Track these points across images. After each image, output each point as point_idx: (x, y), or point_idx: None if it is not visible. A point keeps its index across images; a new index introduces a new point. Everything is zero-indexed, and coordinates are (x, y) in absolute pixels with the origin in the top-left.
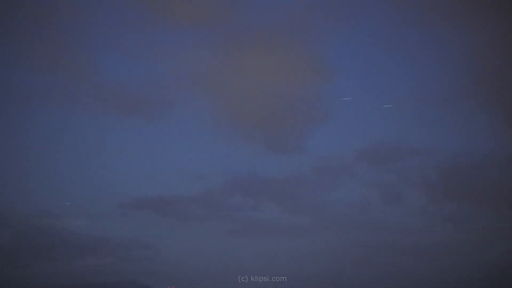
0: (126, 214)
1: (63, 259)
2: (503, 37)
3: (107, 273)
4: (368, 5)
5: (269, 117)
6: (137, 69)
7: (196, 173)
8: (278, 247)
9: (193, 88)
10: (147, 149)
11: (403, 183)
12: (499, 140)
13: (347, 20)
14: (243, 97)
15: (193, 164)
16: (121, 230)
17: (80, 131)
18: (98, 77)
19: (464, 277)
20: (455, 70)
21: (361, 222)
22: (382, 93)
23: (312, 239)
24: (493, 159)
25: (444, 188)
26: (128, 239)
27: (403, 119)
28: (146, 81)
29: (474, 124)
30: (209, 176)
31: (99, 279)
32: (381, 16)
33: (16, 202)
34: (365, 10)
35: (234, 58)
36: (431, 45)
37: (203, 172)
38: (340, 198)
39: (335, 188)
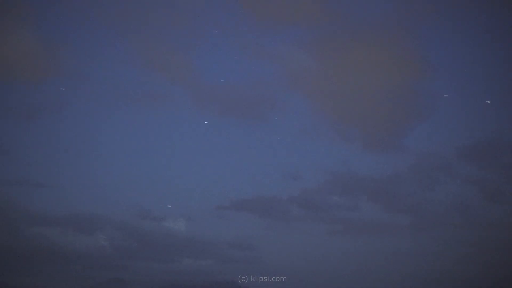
0: (224, 215)
1: (164, 260)
2: None
3: (207, 273)
4: (467, 1)
5: (368, 116)
6: (236, 71)
7: (294, 173)
8: (378, 246)
9: (291, 88)
10: (244, 150)
11: (505, 180)
12: None
13: (445, 16)
14: (341, 96)
15: (290, 165)
16: (220, 232)
17: (178, 134)
18: (198, 79)
19: None
20: None
21: (460, 219)
22: (482, 89)
23: (411, 238)
24: None
25: None
26: (227, 241)
27: (503, 115)
28: (244, 83)
29: None
30: (307, 176)
31: (199, 279)
32: (481, 13)
33: (121, 205)
34: (464, 6)
35: (331, 57)
36: None
37: (301, 172)
38: (439, 196)
39: (434, 186)
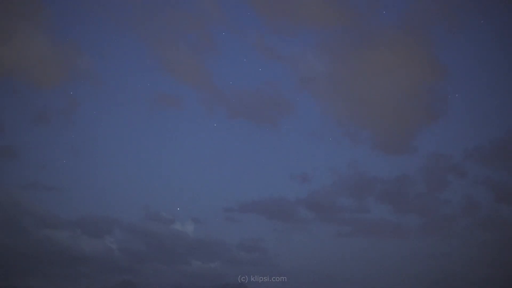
0: (233, 218)
1: (173, 262)
2: None
3: (216, 275)
4: (481, 2)
5: (377, 117)
6: (246, 73)
7: (302, 175)
8: (386, 248)
9: (301, 90)
10: (252, 152)
11: None
12: None
13: (456, 16)
14: (350, 98)
15: (298, 166)
16: (229, 234)
17: (187, 136)
18: (208, 82)
19: None
20: None
21: (470, 220)
22: (492, 89)
23: (421, 239)
24: None
25: None
26: (236, 242)
27: None
28: (253, 85)
29: None
30: (316, 178)
31: (208, 281)
32: (490, 13)
33: (130, 207)
34: (475, 7)
35: (342, 59)
36: None
37: (309, 174)
38: (449, 197)
39: (444, 187)
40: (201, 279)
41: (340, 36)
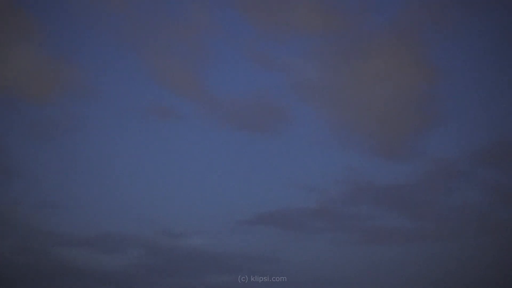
0: (246, 230)
1: (187, 276)
2: None
3: None
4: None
5: (383, 123)
6: (247, 82)
7: (311, 185)
8: (401, 256)
9: (304, 98)
10: (261, 163)
11: None
12: None
13: (454, 18)
14: (354, 105)
15: (306, 176)
16: (242, 246)
17: (196, 149)
18: (206, 91)
19: None
20: None
21: (479, 224)
22: (493, 90)
23: (429, 245)
24: None
25: None
26: (250, 254)
27: None
28: (257, 94)
29: None
30: (324, 187)
31: None
32: (490, 14)
33: (142, 223)
34: (474, 8)
35: (340, 65)
36: None
37: (318, 184)
38: (454, 202)
39: (449, 192)
40: None
41: (334, 41)
